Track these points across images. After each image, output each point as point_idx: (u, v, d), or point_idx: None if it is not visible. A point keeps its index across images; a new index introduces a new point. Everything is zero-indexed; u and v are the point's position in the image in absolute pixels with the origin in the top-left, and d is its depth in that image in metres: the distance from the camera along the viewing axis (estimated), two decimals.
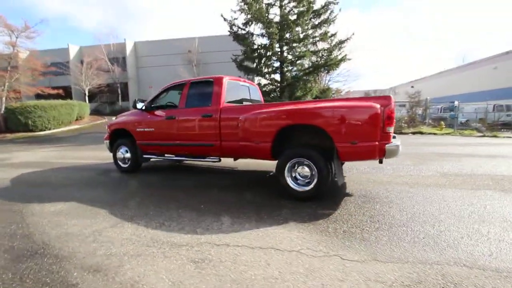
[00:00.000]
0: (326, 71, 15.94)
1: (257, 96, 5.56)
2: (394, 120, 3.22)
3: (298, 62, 17.30)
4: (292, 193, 3.47)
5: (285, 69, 17.73)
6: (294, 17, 16.32)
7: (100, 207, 3.31)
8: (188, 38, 29.29)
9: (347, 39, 16.89)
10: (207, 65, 28.60)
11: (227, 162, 5.21)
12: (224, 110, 4.17)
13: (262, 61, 17.22)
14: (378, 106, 3.07)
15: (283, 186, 3.56)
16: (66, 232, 2.62)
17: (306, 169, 3.44)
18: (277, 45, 15.85)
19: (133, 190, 4.17)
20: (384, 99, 3.17)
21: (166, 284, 1.77)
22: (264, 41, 17.75)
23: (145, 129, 4.90)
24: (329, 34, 17.13)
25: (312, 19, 16.52)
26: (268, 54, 17.70)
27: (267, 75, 18.17)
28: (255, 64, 17.48)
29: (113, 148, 5.43)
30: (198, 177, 4.95)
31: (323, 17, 16.96)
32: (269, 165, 5.47)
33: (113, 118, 6.09)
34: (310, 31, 16.46)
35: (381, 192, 3.73)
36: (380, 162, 3.45)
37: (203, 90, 4.54)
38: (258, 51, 17.40)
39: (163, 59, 30.09)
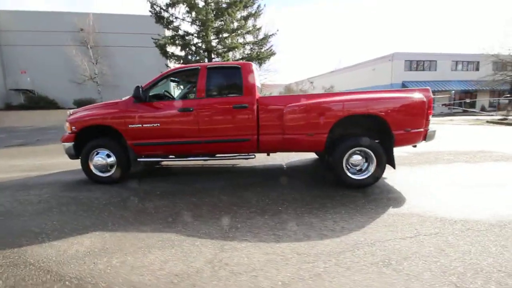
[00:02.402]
0: (259, 64, 16.38)
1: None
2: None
3: (228, 53, 17.00)
4: (349, 182, 3.52)
5: (215, 59, 17.13)
6: (225, 5, 15.86)
7: (176, 240, 2.42)
8: (79, 13, 23.72)
9: (273, 34, 17.78)
10: (108, 48, 24.12)
11: (210, 161, 4.65)
12: (262, 100, 3.73)
13: (193, 49, 16.02)
14: (424, 97, 3.49)
15: (337, 176, 3.56)
16: None
17: (359, 158, 3.57)
18: (209, 34, 14.99)
19: (175, 204, 3.20)
20: (426, 91, 3.62)
21: None
22: (192, 28, 16.52)
23: (145, 126, 3.79)
24: (257, 27, 17.57)
25: (241, 10, 16.48)
26: (196, 42, 16.64)
27: None
28: (184, 52, 16.10)
29: (82, 153, 3.95)
30: (212, 178, 4.25)
31: (250, 9, 17.18)
32: (261, 158, 5.36)
33: (69, 111, 4.36)
34: (241, 22, 16.38)
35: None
36: (415, 146, 3.94)
37: (228, 78, 3.91)
38: (186, 37, 16.09)
39: (44, 37, 23.35)
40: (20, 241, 2.31)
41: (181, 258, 1.98)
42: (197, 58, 16.54)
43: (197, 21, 15.85)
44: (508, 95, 22.50)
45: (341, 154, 3.49)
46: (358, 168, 3.61)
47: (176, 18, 16.31)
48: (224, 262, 1.93)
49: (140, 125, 3.80)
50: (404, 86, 26.72)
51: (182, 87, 4.76)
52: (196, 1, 15.31)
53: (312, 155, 5.54)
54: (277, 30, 17.69)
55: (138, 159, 3.98)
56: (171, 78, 4.27)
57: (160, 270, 1.84)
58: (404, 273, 1.78)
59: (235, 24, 16.92)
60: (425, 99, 3.48)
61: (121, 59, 24.16)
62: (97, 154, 3.95)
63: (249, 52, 17.61)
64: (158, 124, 3.79)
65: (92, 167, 3.98)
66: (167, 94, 4.38)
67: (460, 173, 4.24)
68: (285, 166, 4.93)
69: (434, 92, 25.40)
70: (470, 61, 29.26)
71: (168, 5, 15.60)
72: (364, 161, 3.60)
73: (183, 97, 4.01)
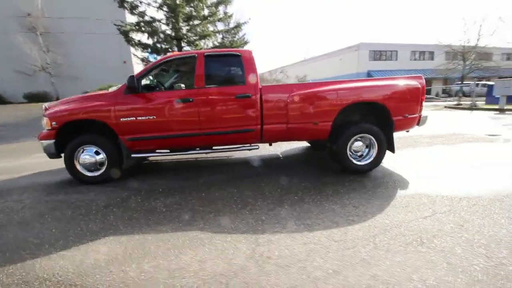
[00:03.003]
0: None
1: None
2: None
3: (200, 42, 16.33)
4: (353, 168, 3.63)
5: (185, 48, 16.38)
6: None
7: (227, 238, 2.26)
8: None
9: (245, 22, 17.45)
10: (62, 35, 21.76)
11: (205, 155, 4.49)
12: (265, 89, 3.63)
13: (162, 37, 15.11)
14: (418, 84, 3.67)
15: (341, 163, 3.65)
16: None
17: (360, 144, 3.68)
18: (179, 21, 14.20)
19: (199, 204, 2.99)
20: (419, 78, 3.80)
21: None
22: (160, 14, 15.51)
23: (139, 118, 3.48)
24: (228, 14, 17.08)
25: None
26: (165, 29, 15.69)
27: (162, 54, 16.18)
28: (152, 40, 15.12)
29: (66, 151, 3.53)
30: (211, 172, 4.08)
31: None
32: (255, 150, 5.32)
33: (44, 105, 3.82)
34: (212, 9, 15.74)
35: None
36: (407, 131, 4.15)
37: (228, 66, 3.73)
38: (153, 24, 15.09)
39: None
40: (20, 255, 2.00)
41: (219, 256, 1.88)
42: (167, 46, 15.66)
43: (164, 6, 14.89)
44: (459, 82, 24.90)
45: (345, 141, 3.56)
46: (359, 154, 3.73)
47: (141, 2, 15.16)
48: (266, 255, 1.87)
49: (134, 118, 3.48)
50: (370, 75, 28.18)
51: (174, 76, 4.45)
52: None
53: (303, 143, 5.60)
54: (249, 18, 17.39)
55: (132, 155, 3.66)
56: (164, 67, 3.95)
57: (201, 271, 1.73)
58: (439, 250, 1.88)
59: (206, 11, 16.25)
60: (419, 86, 3.66)
61: (79, 48, 21.89)
62: (83, 151, 3.56)
63: (221, 41, 17.11)
64: (154, 117, 3.50)
65: (78, 166, 3.58)
66: (159, 84, 4.06)
67: (443, 155, 4.60)
68: (281, 156, 4.92)
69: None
70: (427, 51, 31.68)
71: None
72: (365, 147, 3.72)
73: (178, 87, 3.73)
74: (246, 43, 16.79)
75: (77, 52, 21.83)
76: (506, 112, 11.62)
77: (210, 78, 3.63)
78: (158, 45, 15.52)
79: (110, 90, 3.77)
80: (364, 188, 3.10)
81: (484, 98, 15.38)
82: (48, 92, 20.71)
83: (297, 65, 37.25)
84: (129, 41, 15.33)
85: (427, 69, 31.24)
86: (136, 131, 3.54)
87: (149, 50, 15.29)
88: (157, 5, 14.87)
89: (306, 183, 3.37)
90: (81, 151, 3.56)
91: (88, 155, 3.55)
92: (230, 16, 17.24)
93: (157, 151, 3.77)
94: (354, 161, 3.64)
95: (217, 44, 16.26)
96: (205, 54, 3.65)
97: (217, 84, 3.64)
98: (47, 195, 3.29)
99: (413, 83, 3.67)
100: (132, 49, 18.48)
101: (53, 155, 3.62)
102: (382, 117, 3.65)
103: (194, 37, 16.16)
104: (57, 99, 21.23)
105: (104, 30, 20.63)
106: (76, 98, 3.74)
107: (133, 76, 3.33)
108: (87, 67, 21.57)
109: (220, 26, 17.73)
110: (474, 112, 12.17)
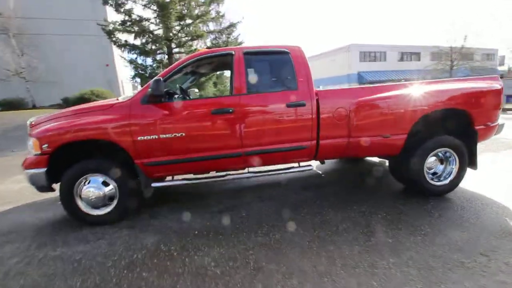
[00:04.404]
0: None
1: None
2: None
3: (192, 43, 15.41)
4: (429, 190, 2.97)
5: (176, 49, 15.40)
6: None
7: None
8: None
9: (239, 21, 16.72)
10: (37, 37, 20.01)
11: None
12: (323, 94, 2.88)
13: (151, 37, 14.06)
14: (499, 86, 3.07)
15: (413, 183, 2.98)
16: None
17: (433, 159, 3.03)
18: (171, 19, 13.24)
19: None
20: (495, 79, 3.19)
21: None
22: (147, 13, 14.45)
23: (162, 136, 2.63)
24: (220, 13, 16.27)
25: None
26: (153, 29, 14.64)
27: (151, 56, 15.14)
28: (141, 41, 14.04)
29: (63, 183, 2.62)
30: (244, 198, 3.29)
31: None
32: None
33: (29, 121, 2.86)
34: (205, 8, 14.87)
35: None
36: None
37: (274, 67, 2.95)
38: (141, 23, 14.02)
39: None
40: None
41: None
42: (157, 46, 14.62)
43: (153, 4, 13.84)
44: None
45: (423, 157, 2.90)
46: (432, 171, 3.07)
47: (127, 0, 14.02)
48: None
49: (156, 136, 2.63)
50: (361, 76, 28.18)
51: (193, 80, 3.62)
52: None
53: None
54: (243, 18, 16.60)
55: (153, 185, 2.80)
56: (191, 68, 3.11)
57: None
58: None
59: (197, 10, 15.35)
60: (500, 88, 3.06)
61: (57, 50, 20.18)
62: (86, 182, 2.67)
63: (215, 42, 16.27)
64: (183, 134, 2.66)
65: (80, 203, 2.68)
66: (183, 90, 3.22)
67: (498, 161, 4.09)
68: (322, 173, 4.18)
69: (385, 81, 27.36)
70: (413, 52, 32.20)
71: None
72: (439, 163, 3.07)
73: (210, 94, 2.92)
74: (240, 43, 16.03)
75: (54, 55, 20.12)
76: (507, 112, 11.69)
77: (252, 82, 2.84)
78: (149, 46, 14.45)
79: (120, 99, 2.90)
80: (467, 222, 2.41)
81: None
82: (23, 98, 18.94)
83: None
84: (115, 42, 14.14)
85: (414, 70, 31.79)
86: (158, 153, 2.69)
87: (138, 51, 14.16)
88: (145, 2, 13.79)
89: (381, 212, 2.66)
90: (83, 182, 2.66)
91: (93, 188, 2.65)
92: (222, 16, 16.44)
93: (185, 177, 2.93)
94: (431, 181, 2.97)
95: (211, 45, 15.39)
96: (245, 51, 2.86)
97: (262, 89, 2.86)
98: (39, 248, 2.36)
99: (494, 85, 3.06)
100: (117, 51, 17.25)
101: (43, 188, 2.70)
102: (459, 126, 3.01)
103: (186, 38, 15.22)
104: (33, 106, 19.47)
105: (85, 31, 19.22)
106: (74, 110, 2.83)
107: (159, 80, 2.48)
108: (66, 71, 20.02)
109: (211, 26, 16.88)
110: None
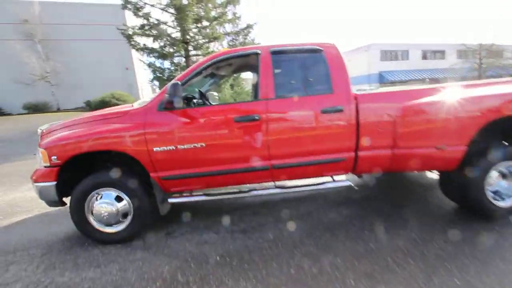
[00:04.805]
0: None
1: None
2: None
3: (209, 45, 15.30)
4: (491, 211, 2.48)
5: (193, 52, 15.35)
6: None
7: None
8: (21, 1, 19.90)
9: (255, 23, 16.45)
10: (61, 42, 20.70)
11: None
12: (363, 98, 2.49)
13: (169, 40, 14.07)
14: None
15: (472, 203, 2.51)
16: None
17: (496, 174, 2.53)
18: (188, 22, 13.17)
19: None
20: None
21: None
22: (164, 16, 14.48)
23: (180, 147, 2.34)
24: (237, 15, 16.08)
25: None
26: (171, 32, 14.65)
27: (169, 58, 15.15)
28: (159, 44, 14.09)
29: (74, 198, 2.39)
30: (268, 216, 2.95)
31: None
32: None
33: (40, 128, 2.69)
34: (222, 10, 14.72)
35: None
36: None
37: (305, 67, 2.59)
38: (160, 26, 14.05)
39: None
40: None
41: None
42: (175, 49, 14.62)
43: (171, 7, 13.85)
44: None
45: (484, 172, 2.42)
46: (493, 189, 2.57)
47: (145, 3, 14.11)
48: None
49: (174, 147, 2.34)
50: (382, 76, 27.11)
51: (213, 82, 3.33)
52: None
53: None
54: (258, 19, 16.30)
55: (170, 200, 2.52)
56: (212, 70, 2.82)
57: None
58: None
59: (214, 12, 15.24)
60: None
61: (79, 55, 20.76)
62: (99, 197, 2.42)
63: (232, 43, 16.09)
64: (203, 144, 2.36)
65: (91, 219, 2.43)
66: (203, 94, 2.93)
67: None
68: (355, 187, 3.74)
69: (408, 81, 26.10)
70: (438, 50, 30.64)
71: None
72: (501, 178, 2.58)
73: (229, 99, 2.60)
74: (258, 45, 15.72)
75: (77, 59, 20.75)
76: None
77: (281, 85, 2.49)
78: (167, 49, 14.48)
79: (135, 105, 2.64)
80: None
81: None
82: (48, 102, 19.68)
83: None
84: (134, 45, 14.26)
85: (439, 69, 30.24)
86: (176, 165, 2.40)
87: (156, 54, 14.22)
88: (162, 6, 13.83)
89: (438, 240, 2.22)
90: (95, 197, 2.41)
91: (106, 203, 2.40)
92: (239, 17, 16.23)
93: (205, 191, 2.62)
94: (494, 201, 2.49)
95: (228, 47, 15.20)
96: (272, 49, 2.51)
97: (292, 93, 2.50)
98: (46, 272, 2.12)
99: None
100: (136, 54, 17.51)
101: (54, 203, 2.49)
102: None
103: (203, 40, 15.13)
104: (58, 109, 20.17)
105: (105, 36, 19.68)
106: (85, 118, 2.60)
107: (177, 84, 2.19)
108: (88, 75, 20.58)
109: (228, 28, 16.71)
110: None
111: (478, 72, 23.84)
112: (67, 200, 2.54)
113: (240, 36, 15.57)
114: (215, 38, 14.60)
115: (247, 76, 16.84)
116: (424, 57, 30.65)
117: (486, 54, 24.89)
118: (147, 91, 23.91)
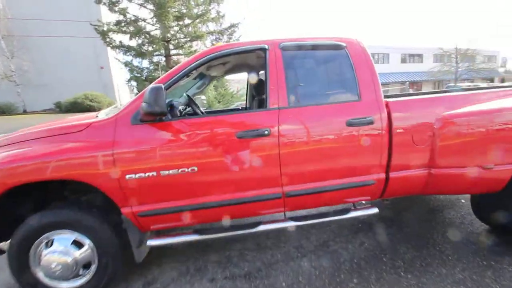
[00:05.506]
0: None
1: None
2: None
3: (192, 44, 14.56)
4: None
5: (174, 51, 14.55)
6: None
7: None
8: None
9: (239, 23, 15.91)
10: (28, 39, 18.97)
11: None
12: (396, 106, 2.00)
13: (147, 38, 13.18)
14: None
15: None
16: None
17: None
18: (169, 19, 12.38)
19: None
20: None
21: None
22: (143, 12, 13.57)
23: (163, 173, 1.73)
24: (221, 13, 15.45)
25: None
26: (150, 30, 13.75)
27: (148, 57, 14.25)
28: (136, 42, 13.16)
29: (13, 246, 1.70)
30: (284, 257, 2.39)
31: None
32: None
33: None
34: (205, 8, 14.02)
35: None
36: None
37: (324, 67, 2.07)
38: (137, 23, 13.14)
39: None
40: None
41: None
42: (154, 48, 13.74)
43: (149, 3, 12.97)
44: (452, 84, 24.72)
45: None
46: None
47: None
48: None
49: (154, 173, 1.72)
50: None
51: (202, 85, 2.73)
52: None
53: None
54: (244, 18, 15.88)
55: (149, 242, 1.89)
56: (203, 70, 2.22)
57: None
58: None
59: (196, 9, 14.51)
60: None
61: (48, 52, 19.14)
62: (49, 244, 1.75)
63: (215, 42, 15.40)
64: (195, 168, 1.76)
65: (39, 273, 1.76)
66: (192, 101, 2.32)
67: None
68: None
69: (389, 83, 26.62)
70: (416, 54, 31.62)
71: None
72: None
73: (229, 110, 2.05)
74: None
75: (46, 57, 19.09)
76: None
77: (295, 90, 1.94)
78: (146, 47, 13.56)
79: (101, 114, 1.99)
80: None
81: None
82: (13, 103, 17.94)
83: None
84: (109, 43, 13.21)
85: (417, 72, 31.21)
86: (158, 197, 1.78)
87: (133, 53, 13.26)
88: (140, 1, 12.92)
89: (486, 281, 1.77)
90: (44, 243, 1.74)
91: (59, 251, 1.73)
92: (222, 16, 15.60)
93: (196, 228, 2.02)
94: None
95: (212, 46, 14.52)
96: (282, 45, 1.95)
97: (310, 101, 1.96)
98: None
99: None
100: (112, 53, 16.32)
101: None
102: None
103: (185, 39, 14.35)
104: (24, 110, 18.44)
105: (77, 33, 18.23)
106: (36, 132, 1.91)
107: (159, 88, 1.57)
108: (58, 74, 19.01)
109: (211, 27, 16.02)
110: None
111: (454, 75, 24.75)
112: (5, 245, 1.85)
113: (225, 36, 14.92)
114: (198, 37, 13.87)
115: (231, 77, 16.23)
116: (404, 60, 31.51)
117: (460, 59, 25.95)
118: (124, 92, 22.57)
